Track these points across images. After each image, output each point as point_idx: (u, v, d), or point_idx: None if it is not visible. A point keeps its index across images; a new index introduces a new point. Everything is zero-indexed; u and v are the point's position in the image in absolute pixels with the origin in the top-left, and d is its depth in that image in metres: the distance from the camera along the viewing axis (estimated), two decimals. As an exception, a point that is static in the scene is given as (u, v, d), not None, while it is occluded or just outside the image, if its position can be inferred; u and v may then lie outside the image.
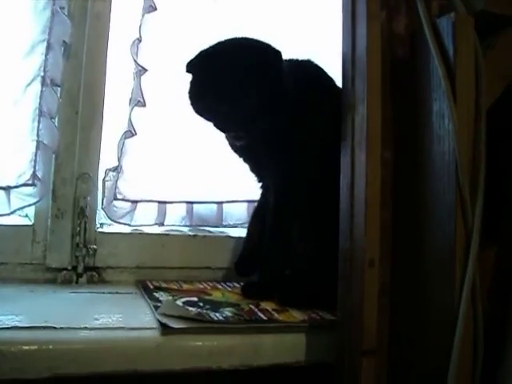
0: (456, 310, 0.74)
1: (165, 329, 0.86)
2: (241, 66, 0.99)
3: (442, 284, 0.78)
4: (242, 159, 1.14)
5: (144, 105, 1.18)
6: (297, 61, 1.09)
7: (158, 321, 0.89)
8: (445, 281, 0.77)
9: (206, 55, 1.03)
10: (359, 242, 0.84)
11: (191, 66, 1.04)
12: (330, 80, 1.08)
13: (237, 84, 0.98)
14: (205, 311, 0.95)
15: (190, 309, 0.95)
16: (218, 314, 0.94)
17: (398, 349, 0.84)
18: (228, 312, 0.96)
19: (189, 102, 1.05)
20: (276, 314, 0.98)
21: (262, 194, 1.19)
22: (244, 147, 1.08)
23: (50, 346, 0.80)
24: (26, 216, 1.17)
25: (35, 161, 1.12)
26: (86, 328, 0.86)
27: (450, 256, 0.77)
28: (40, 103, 1.12)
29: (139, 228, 1.25)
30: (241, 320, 0.94)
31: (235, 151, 1.13)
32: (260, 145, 1.06)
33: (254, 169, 1.15)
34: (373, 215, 0.84)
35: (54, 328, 0.84)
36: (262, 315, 0.97)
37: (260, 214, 1.17)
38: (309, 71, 1.10)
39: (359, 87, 0.87)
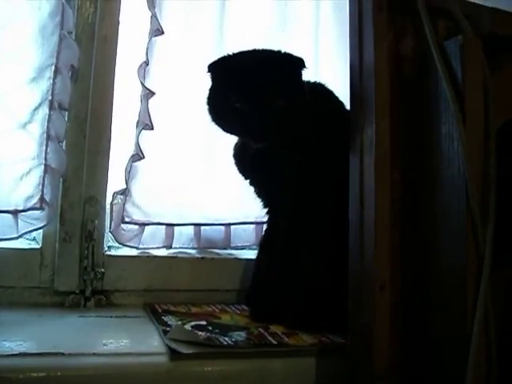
0: (469, 334, 0.74)
1: (174, 354, 0.86)
2: (265, 67, 1.01)
3: (454, 307, 0.77)
4: (248, 181, 1.14)
5: (152, 128, 1.18)
6: (308, 82, 1.09)
7: (167, 346, 0.88)
8: (457, 305, 0.77)
9: (229, 57, 1.05)
10: (369, 266, 0.84)
11: (213, 67, 1.04)
12: (341, 103, 1.08)
13: (262, 84, 0.99)
14: (214, 335, 0.94)
15: (199, 333, 0.95)
16: (227, 339, 0.93)
17: (411, 373, 0.83)
18: (237, 336, 0.96)
19: (207, 106, 1.05)
20: (286, 338, 0.97)
21: (268, 222, 1.19)
22: (254, 162, 1.08)
23: (59, 373, 0.80)
24: (34, 240, 1.16)
25: (43, 184, 1.11)
26: (94, 354, 0.85)
27: (461, 280, 0.76)
28: (48, 127, 1.12)
29: (147, 251, 1.24)
30: (250, 344, 0.93)
31: (242, 172, 1.13)
32: (276, 153, 1.05)
33: (261, 191, 1.15)
34: (382, 238, 0.84)
35: (63, 354, 0.83)
36: (271, 339, 0.96)
37: (267, 244, 1.17)
38: (321, 94, 1.10)
39: (367, 109, 0.87)
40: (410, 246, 0.85)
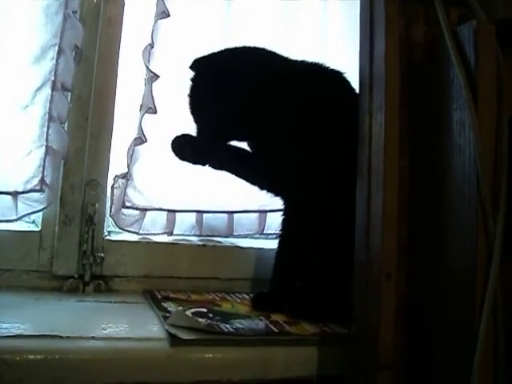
0: (476, 325, 0.72)
1: (174, 340, 0.84)
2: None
3: (462, 299, 0.75)
4: None
5: (155, 111, 1.16)
6: (328, 69, 1.10)
7: (168, 331, 0.86)
8: (465, 296, 0.75)
9: None
10: (376, 255, 0.83)
11: None
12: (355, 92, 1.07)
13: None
14: (215, 322, 0.93)
15: (200, 320, 0.93)
16: (228, 326, 0.92)
17: (416, 363, 0.81)
18: (238, 324, 0.94)
19: None
20: (287, 327, 0.96)
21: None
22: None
23: (57, 356, 0.78)
24: (33, 222, 1.15)
25: (44, 166, 1.10)
26: (93, 338, 0.84)
27: (470, 271, 0.74)
28: (50, 108, 1.10)
29: (148, 236, 1.22)
30: (252, 332, 0.91)
31: None
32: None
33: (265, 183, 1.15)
34: (390, 227, 0.82)
35: (61, 337, 0.82)
36: (273, 327, 0.95)
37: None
38: (334, 80, 1.10)
39: (377, 96, 0.85)
40: (417, 235, 0.84)
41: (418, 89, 0.86)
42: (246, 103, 1.04)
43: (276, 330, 0.93)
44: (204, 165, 1.11)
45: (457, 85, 0.78)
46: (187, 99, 1.11)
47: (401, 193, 0.83)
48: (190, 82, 1.11)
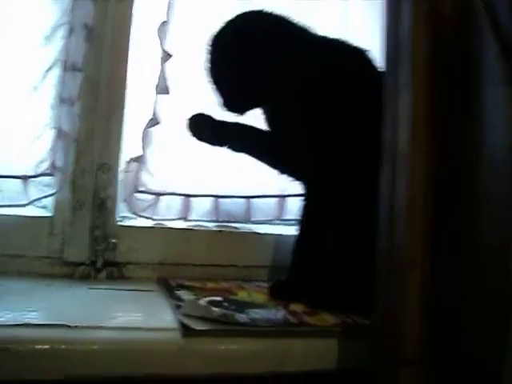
0: (509, 316, 0.67)
1: (186, 330, 0.80)
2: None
3: (494, 288, 0.70)
4: None
5: (168, 92, 1.12)
6: (352, 46, 1.04)
7: (180, 321, 0.83)
8: (497, 284, 0.70)
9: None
10: (400, 240, 0.78)
11: None
12: (377, 72, 1.00)
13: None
14: (230, 312, 0.89)
15: (214, 309, 0.89)
16: (243, 316, 0.88)
17: (442, 358, 0.76)
18: (255, 314, 0.90)
19: None
20: (306, 317, 0.91)
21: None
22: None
23: (63, 346, 0.75)
24: (44, 207, 1.12)
25: (54, 149, 1.07)
26: (102, 327, 0.81)
27: (503, 259, 0.69)
28: (60, 89, 1.07)
29: (162, 222, 1.19)
30: (269, 323, 0.87)
31: None
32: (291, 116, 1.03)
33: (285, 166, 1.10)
34: (415, 211, 0.77)
35: (68, 326, 0.78)
36: (291, 318, 0.90)
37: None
38: (356, 58, 1.04)
39: (403, 72, 0.80)
40: (445, 222, 0.78)
41: (448, 64, 0.80)
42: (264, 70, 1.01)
43: (294, 321, 0.89)
44: (222, 146, 1.06)
45: (490, 58, 0.73)
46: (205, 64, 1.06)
47: (428, 175, 0.78)
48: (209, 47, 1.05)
